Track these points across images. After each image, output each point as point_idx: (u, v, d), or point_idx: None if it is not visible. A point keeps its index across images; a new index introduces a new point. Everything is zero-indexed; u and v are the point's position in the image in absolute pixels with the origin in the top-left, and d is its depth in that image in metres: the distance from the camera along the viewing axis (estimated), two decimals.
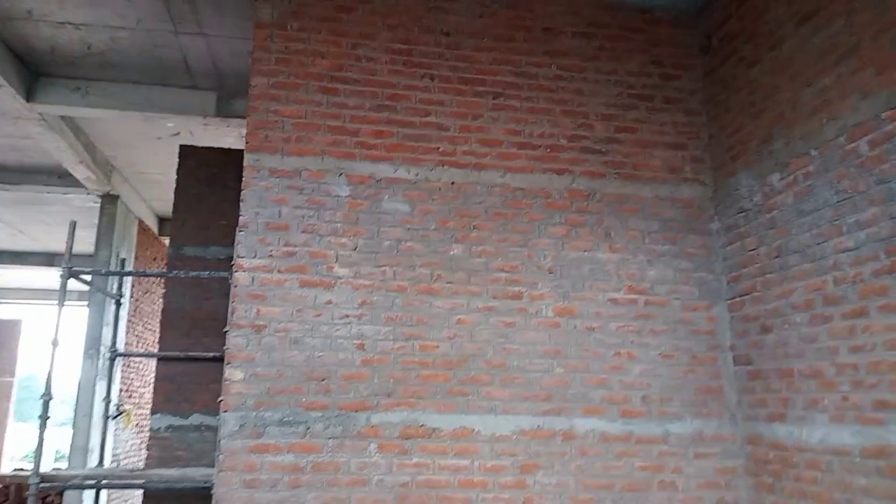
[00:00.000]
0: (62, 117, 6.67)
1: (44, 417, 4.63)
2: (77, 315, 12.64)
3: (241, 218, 3.95)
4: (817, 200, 3.53)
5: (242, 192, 3.99)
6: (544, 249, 4.18)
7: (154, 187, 9.24)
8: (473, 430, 3.81)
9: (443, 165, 4.21)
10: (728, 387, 4.14)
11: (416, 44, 4.42)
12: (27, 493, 4.55)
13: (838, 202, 3.39)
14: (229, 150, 6.75)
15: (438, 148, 4.24)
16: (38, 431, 4.63)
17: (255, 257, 3.90)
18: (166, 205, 8.78)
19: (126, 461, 9.32)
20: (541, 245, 4.18)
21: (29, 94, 6.05)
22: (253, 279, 3.88)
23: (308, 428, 3.70)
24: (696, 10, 4.80)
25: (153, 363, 8.05)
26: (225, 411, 3.69)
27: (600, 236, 4.28)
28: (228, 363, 3.76)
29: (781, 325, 3.73)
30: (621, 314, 4.16)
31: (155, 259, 10.54)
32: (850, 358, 3.23)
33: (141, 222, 9.76)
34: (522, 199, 4.25)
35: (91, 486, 5.14)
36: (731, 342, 4.20)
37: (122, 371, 9.25)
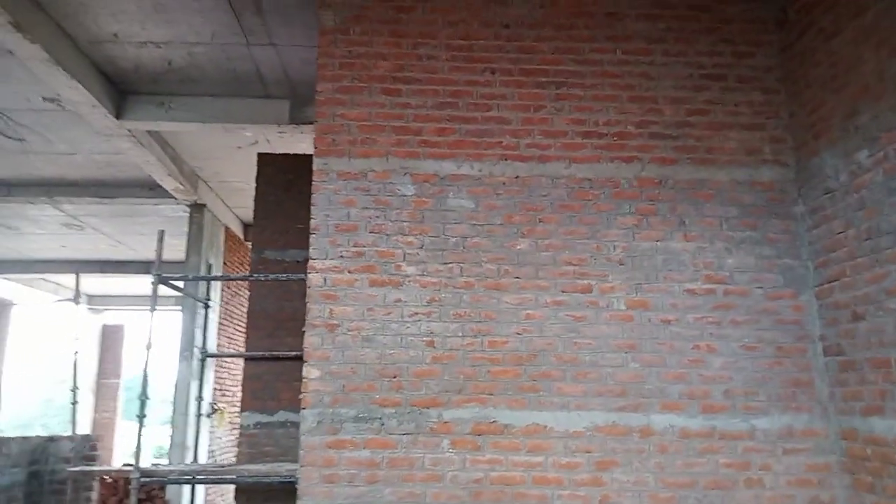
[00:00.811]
0: (149, 132, 7.06)
1: (141, 417, 4.93)
2: (173, 319, 13.38)
3: (312, 221, 4.06)
4: None
5: (313, 196, 4.10)
6: (613, 241, 4.07)
7: (237, 195, 9.65)
8: (546, 426, 3.77)
9: (506, 160, 4.18)
10: (818, 379, 3.90)
11: (475, 38, 4.41)
12: (130, 486, 4.85)
13: None
14: (303, 155, 6.96)
15: (501, 142, 4.21)
16: (137, 430, 4.93)
17: (326, 258, 4.01)
18: (249, 211, 9.15)
19: (222, 457, 9.80)
20: (610, 236, 4.08)
21: (118, 112, 6.44)
22: (325, 280, 3.98)
23: (382, 424, 3.77)
24: None
25: (243, 363, 8.42)
26: (304, 408, 3.82)
27: (673, 225, 4.13)
28: (305, 362, 3.88)
29: (875, 312, 3.48)
30: (699, 305, 3.99)
31: (242, 263, 11.01)
32: None
33: (227, 228, 10.22)
34: (589, 190, 4.16)
35: (186, 482, 5.43)
36: (821, 332, 3.95)
37: (216, 371, 9.73)
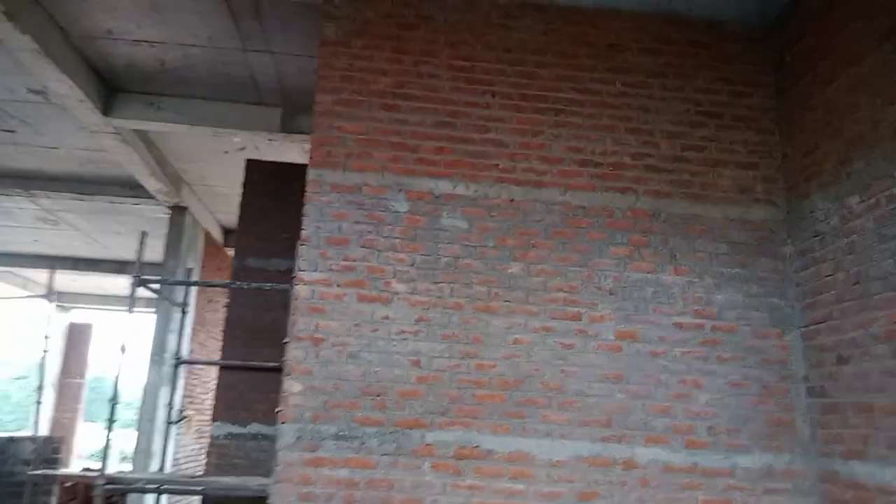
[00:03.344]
0: (136, 131, 6.94)
1: (111, 421, 4.78)
2: (144, 321, 13.12)
3: (302, 232, 4.00)
4: None
5: (305, 207, 4.05)
6: (605, 270, 4.07)
7: (220, 200, 9.52)
8: (529, 453, 3.73)
9: (502, 182, 4.17)
10: (800, 420, 3.92)
11: (477, 61, 4.41)
12: (93, 493, 4.69)
13: None
14: (293, 164, 6.90)
15: (498, 164, 4.21)
16: (105, 435, 4.78)
17: (315, 271, 3.94)
18: (232, 217, 9.03)
19: (186, 466, 9.56)
20: (601, 265, 4.08)
21: (106, 109, 6.33)
22: (313, 292, 3.92)
23: (363, 443, 3.70)
24: (769, 25, 4.63)
25: (215, 371, 8.25)
26: (283, 423, 3.73)
27: (665, 258, 4.14)
28: (287, 375, 3.80)
29: (860, 357, 3.52)
30: (687, 339, 4.00)
31: (219, 269, 10.84)
32: None
33: (207, 233, 10.07)
34: (583, 218, 4.16)
35: (153, 491, 5.27)
36: (805, 372, 3.98)
37: (185, 378, 9.52)
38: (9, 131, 7.29)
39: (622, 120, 4.39)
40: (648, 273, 4.10)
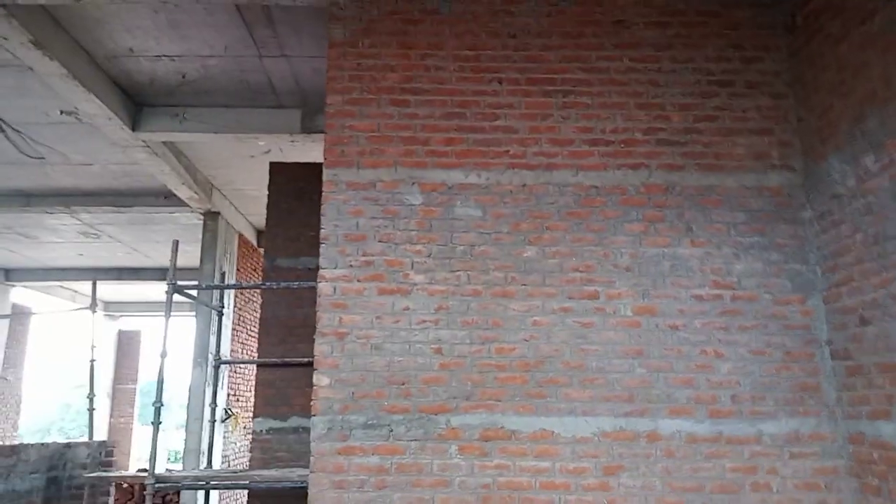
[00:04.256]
0: (164, 143, 7.19)
1: (156, 423, 5.01)
2: (189, 325, 13.53)
3: (321, 231, 4.13)
4: None
5: (322, 206, 4.17)
6: (621, 247, 4.10)
7: (251, 203, 9.77)
8: (553, 431, 3.80)
9: (513, 168, 4.23)
10: (826, 383, 3.90)
11: (483, 49, 4.46)
12: (145, 492, 4.94)
13: None
14: (315, 164, 7.04)
15: (508, 151, 4.26)
16: (151, 436, 5.01)
17: (336, 268, 4.07)
18: (263, 219, 9.26)
19: (236, 461, 9.90)
20: (617, 243, 4.11)
21: (133, 124, 6.57)
22: (335, 289, 4.04)
23: (391, 431, 3.82)
24: None
25: (255, 369, 8.51)
26: (314, 415, 3.87)
27: (681, 231, 4.15)
28: (315, 369, 3.94)
29: (882, 317, 3.49)
30: (706, 311, 4.01)
31: (255, 270, 11.13)
32: None
33: (241, 236, 10.34)
34: (596, 198, 4.19)
35: (200, 487, 5.51)
36: (828, 336, 3.95)
37: (230, 377, 9.83)
38: (38, 157, 7.61)
39: (632, 96, 4.39)
40: (665, 247, 4.11)
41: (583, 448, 3.78)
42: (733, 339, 3.97)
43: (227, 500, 9.86)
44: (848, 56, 3.86)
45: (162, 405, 5.07)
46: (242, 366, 10.40)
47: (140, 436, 17.42)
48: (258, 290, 10.35)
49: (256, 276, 11.07)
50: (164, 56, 5.86)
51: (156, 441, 5.01)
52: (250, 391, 10.59)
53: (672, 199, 4.21)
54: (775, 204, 4.22)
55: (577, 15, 4.54)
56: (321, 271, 4.06)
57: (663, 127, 4.34)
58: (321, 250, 4.10)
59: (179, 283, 5.52)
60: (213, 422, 6.30)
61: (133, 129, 6.55)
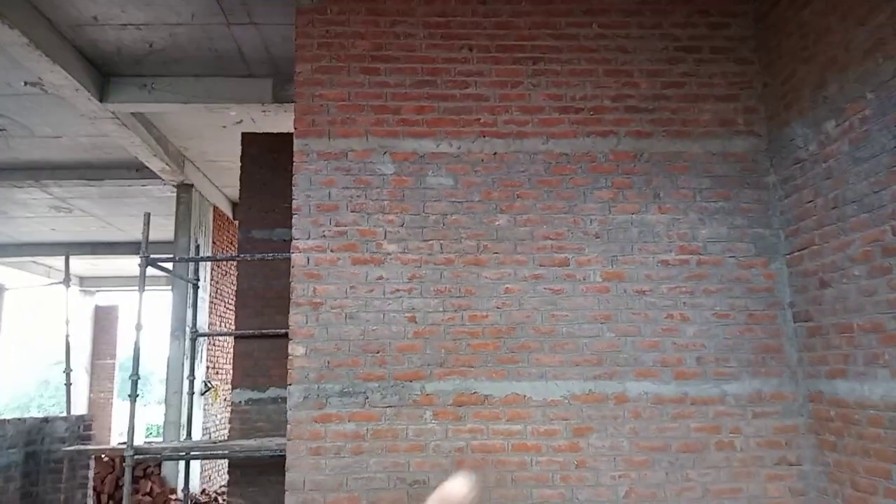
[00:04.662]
0: (133, 114, 7.07)
1: (133, 396, 5.04)
2: (166, 298, 13.47)
3: (293, 202, 4.13)
4: (874, 146, 3.35)
5: (294, 177, 4.16)
6: (590, 214, 4.16)
7: (225, 174, 9.66)
8: (525, 396, 3.89)
9: (484, 137, 4.24)
10: (788, 345, 4.03)
11: (453, 15, 4.43)
12: (125, 464, 4.98)
13: None
14: (288, 134, 6.94)
15: (479, 119, 4.27)
16: (129, 409, 5.04)
17: (309, 238, 4.08)
18: (237, 190, 9.18)
19: (216, 433, 9.97)
20: (586, 210, 4.16)
21: (101, 95, 6.44)
22: (308, 259, 4.06)
23: (367, 398, 3.89)
24: None
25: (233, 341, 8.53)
26: (290, 384, 3.92)
27: (649, 197, 4.21)
28: (291, 339, 3.98)
29: (840, 279, 3.60)
30: (673, 276, 4.10)
31: (231, 242, 11.07)
32: None
33: (216, 208, 10.25)
34: (566, 165, 4.23)
35: (179, 458, 5.57)
36: (790, 299, 4.07)
37: (209, 349, 9.85)
38: (2, 130, 7.45)
39: (600, 63, 4.41)
40: (633, 214, 4.18)
41: (553, 411, 3.88)
42: (699, 302, 4.07)
43: (209, 471, 9.95)
44: (811, 22, 3.90)
45: (138, 378, 5.09)
46: (221, 338, 10.41)
47: (120, 411, 17.40)
48: (235, 263, 10.31)
49: (233, 248, 11.01)
50: (130, 25, 5.73)
51: (133, 413, 5.03)
52: (230, 363, 10.62)
53: (640, 166, 4.26)
54: (740, 169, 4.29)
55: None
56: (294, 242, 4.07)
57: (632, 94, 4.37)
58: (294, 221, 4.11)
59: (153, 256, 5.50)
60: (191, 394, 6.33)
61: (101, 101, 6.42)
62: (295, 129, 4.24)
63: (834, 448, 3.64)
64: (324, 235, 4.08)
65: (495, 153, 4.23)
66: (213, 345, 10.16)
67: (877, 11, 3.34)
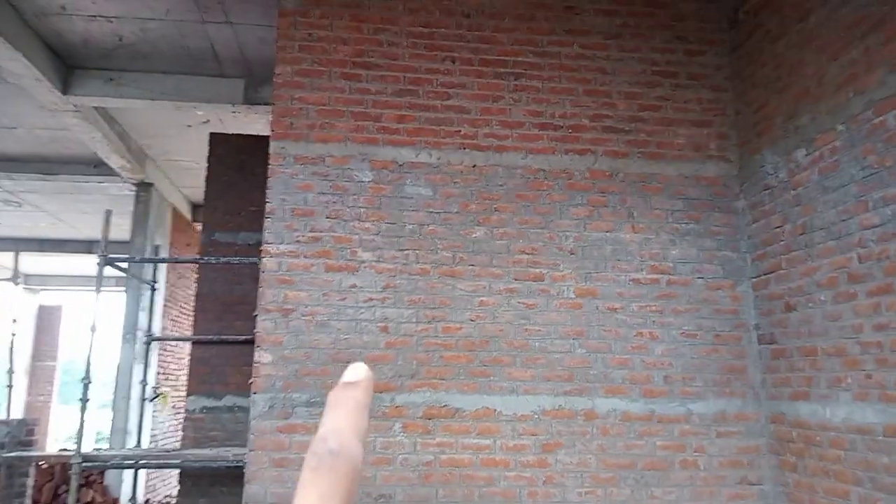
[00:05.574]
0: (96, 108, 6.84)
1: (84, 401, 4.82)
2: (115, 300, 13.03)
3: (267, 205, 4.04)
4: (843, 176, 3.48)
5: (269, 180, 4.08)
6: (566, 231, 4.19)
7: (186, 174, 9.43)
8: (495, 410, 3.87)
9: (464, 148, 4.24)
10: (752, 366, 4.12)
11: (437, 27, 4.44)
12: (70, 472, 4.75)
13: (864, 178, 3.33)
14: (258, 136, 6.85)
15: (460, 131, 4.27)
16: (79, 414, 4.82)
17: (282, 243, 4.00)
18: (198, 191, 8.96)
19: (164, 442, 9.63)
20: (562, 226, 4.20)
21: (64, 87, 6.22)
22: (280, 264, 3.97)
23: None
24: None
25: (188, 346, 8.28)
26: (255, 393, 3.81)
27: (623, 216, 4.27)
28: (258, 346, 3.88)
29: (805, 304, 3.70)
30: (643, 294, 4.16)
31: (189, 244, 10.78)
32: (875, 336, 3.20)
33: (175, 209, 9.98)
34: (544, 181, 4.26)
35: (130, 466, 5.34)
36: (756, 321, 4.17)
37: (159, 354, 9.53)
38: None
39: (580, 82, 4.47)
40: (607, 232, 4.23)
41: (523, 426, 3.87)
42: (667, 321, 4.13)
43: (154, 480, 9.59)
44: (785, 53, 4.04)
45: (90, 381, 4.88)
46: (173, 344, 10.09)
47: (59, 415, 16.69)
48: (192, 266, 10.04)
49: (190, 250, 10.72)
50: (100, 16, 5.55)
51: (83, 419, 4.82)
52: (181, 369, 10.30)
53: (615, 185, 4.32)
54: (711, 193, 4.40)
55: None
56: (266, 246, 3.98)
57: (609, 114, 4.44)
58: (267, 225, 4.02)
59: (111, 255, 5.30)
60: (143, 400, 6.10)
61: (63, 93, 6.20)
62: (272, 131, 4.16)
63: (794, 469, 3.72)
64: (298, 241, 4.01)
65: (474, 165, 4.23)
66: (164, 350, 9.85)
67: (849, 48, 3.48)
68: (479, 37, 4.45)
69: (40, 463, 7.55)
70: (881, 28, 3.29)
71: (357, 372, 0.40)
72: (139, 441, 5.98)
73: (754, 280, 4.22)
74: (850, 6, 3.50)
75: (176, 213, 10.07)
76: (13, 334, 7.01)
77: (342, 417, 0.36)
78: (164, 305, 9.71)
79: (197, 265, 6.74)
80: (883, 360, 3.15)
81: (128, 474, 7.56)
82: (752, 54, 4.36)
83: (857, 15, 3.46)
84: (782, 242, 3.94)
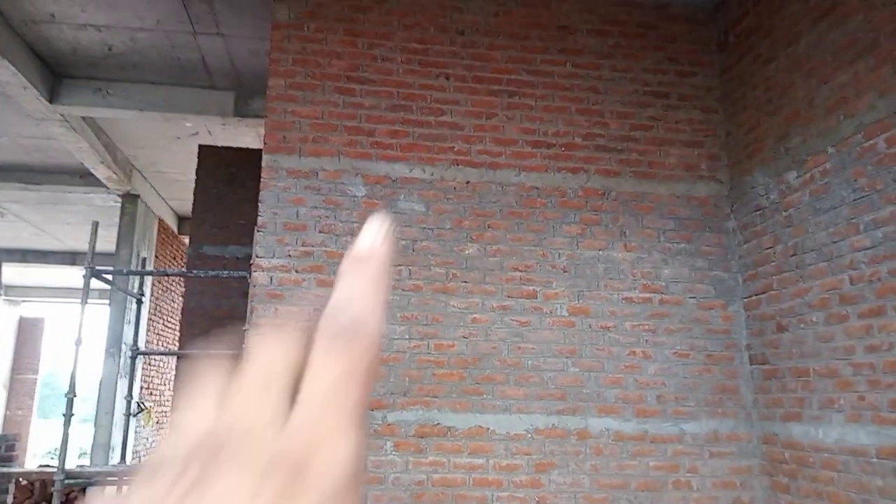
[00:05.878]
0: (84, 118, 6.77)
1: (68, 416, 4.72)
2: (98, 313, 12.84)
3: (259, 218, 4.00)
4: (834, 198, 3.51)
5: (261, 193, 4.04)
6: (559, 248, 4.19)
7: (174, 186, 9.34)
8: (488, 429, 3.84)
9: (458, 165, 4.24)
10: (744, 386, 4.12)
11: (431, 43, 4.44)
12: (52, 489, 4.64)
13: (855, 200, 3.36)
14: (248, 149, 6.82)
15: (453, 147, 4.26)
16: (62, 429, 4.72)
17: (273, 257, 3.96)
18: (186, 204, 8.88)
19: (147, 457, 9.46)
20: (555, 244, 4.19)
21: (52, 96, 6.15)
22: (271, 279, 3.93)
23: None
24: (712, 6, 4.77)
25: (173, 361, 8.17)
26: None
27: (615, 235, 4.28)
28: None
29: (797, 325, 3.72)
30: (636, 313, 4.15)
31: (174, 258, 10.67)
32: (867, 357, 3.22)
33: (161, 221, 9.88)
34: (537, 198, 4.26)
35: (114, 483, 5.23)
36: (747, 341, 4.18)
37: (143, 369, 9.39)
38: None
39: (573, 101, 4.49)
40: (600, 250, 4.23)
41: (516, 445, 3.84)
42: (660, 340, 4.13)
43: None
44: (776, 76, 4.08)
45: (75, 395, 4.78)
46: (157, 358, 9.95)
47: (39, 430, 16.37)
48: (178, 280, 9.94)
49: (176, 263, 10.62)
50: (90, 25, 5.51)
51: (67, 434, 4.71)
52: (165, 384, 10.16)
53: (608, 204, 4.33)
54: (702, 213, 4.42)
55: (523, 17, 4.59)
56: (258, 260, 3.94)
57: (602, 133, 4.46)
58: (258, 238, 3.98)
59: (98, 267, 5.22)
60: (128, 415, 5.99)
61: (51, 101, 6.13)
62: (264, 144, 4.13)
63: (787, 490, 3.71)
64: (289, 255, 3.97)
65: (468, 182, 4.23)
66: (149, 364, 9.70)
67: (839, 72, 3.52)
68: (473, 54, 4.46)
69: (19, 479, 7.38)
70: (871, 53, 3.34)
71: (372, 236, 0.30)
72: (123, 457, 5.86)
73: (746, 300, 4.23)
74: (840, 31, 3.55)
75: (162, 226, 9.97)
76: None
77: (353, 288, 0.28)
78: (150, 319, 9.59)
79: (184, 278, 6.65)
80: (875, 382, 3.16)
81: (109, 491, 7.41)
82: (742, 76, 4.40)
83: (846, 39, 3.51)
84: (773, 263, 3.96)
